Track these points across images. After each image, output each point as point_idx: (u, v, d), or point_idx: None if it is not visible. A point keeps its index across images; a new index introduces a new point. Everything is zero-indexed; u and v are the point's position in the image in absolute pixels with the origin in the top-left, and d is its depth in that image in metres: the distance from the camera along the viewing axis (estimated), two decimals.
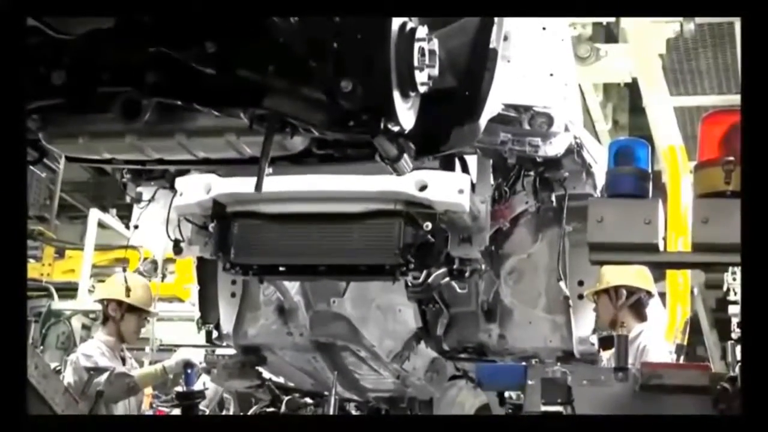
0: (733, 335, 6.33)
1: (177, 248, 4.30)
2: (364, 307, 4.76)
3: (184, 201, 4.10)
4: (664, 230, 3.27)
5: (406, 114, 2.47)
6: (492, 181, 4.00)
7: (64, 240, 10.60)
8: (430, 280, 4.28)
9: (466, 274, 4.12)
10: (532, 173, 4.26)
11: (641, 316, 5.31)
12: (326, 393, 5.08)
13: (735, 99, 7.15)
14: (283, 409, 5.32)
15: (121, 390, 5.57)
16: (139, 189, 4.38)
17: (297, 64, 2.39)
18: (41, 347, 8.86)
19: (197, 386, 5.56)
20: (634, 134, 8.45)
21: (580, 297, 4.70)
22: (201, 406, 5.68)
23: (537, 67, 3.83)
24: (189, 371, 5.34)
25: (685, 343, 7.88)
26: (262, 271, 4.16)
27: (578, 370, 3.70)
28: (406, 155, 2.56)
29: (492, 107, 2.96)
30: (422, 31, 2.44)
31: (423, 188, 3.75)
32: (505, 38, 3.08)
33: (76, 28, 2.44)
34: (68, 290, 9.74)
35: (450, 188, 3.75)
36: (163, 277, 7.60)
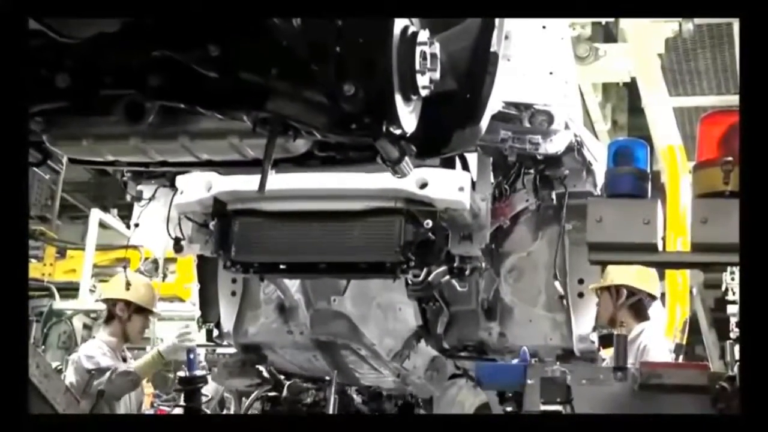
0: (732, 335, 6.34)
1: (177, 246, 4.31)
2: (364, 305, 4.76)
3: (185, 199, 4.12)
4: (663, 230, 3.28)
5: (408, 117, 2.47)
6: (492, 179, 4.01)
7: (65, 240, 10.62)
8: (430, 278, 4.30)
9: (467, 272, 4.13)
10: (532, 171, 4.27)
11: (641, 317, 5.30)
12: (327, 377, 5.09)
13: (734, 99, 7.13)
14: (285, 393, 5.30)
15: (124, 385, 5.59)
16: (139, 187, 4.38)
17: (299, 67, 2.39)
18: (43, 347, 8.87)
19: (199, 372, 5.56)
20: (633, 134, 8.47)
21: (581, 295, 4.71)
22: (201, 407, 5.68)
23: (537, 66, 3.85)
24: (191, 356, 5.34)
25: (684, 342, 7.89)
26: (263, 269, 4.18)
27: (577, 369, 3.71)
28: (407, 158, 2.57)
29: (492, 106, 2.97)
30: (424, 35, 2.44)
31: (423, 186, 3.77)
32: (506, 37, 3.07)
33: (79, 31, 2.44)
34: (69, 290, 9.76)
35: (450, 186, 3.76)
36: (164, 276, 7.62)
